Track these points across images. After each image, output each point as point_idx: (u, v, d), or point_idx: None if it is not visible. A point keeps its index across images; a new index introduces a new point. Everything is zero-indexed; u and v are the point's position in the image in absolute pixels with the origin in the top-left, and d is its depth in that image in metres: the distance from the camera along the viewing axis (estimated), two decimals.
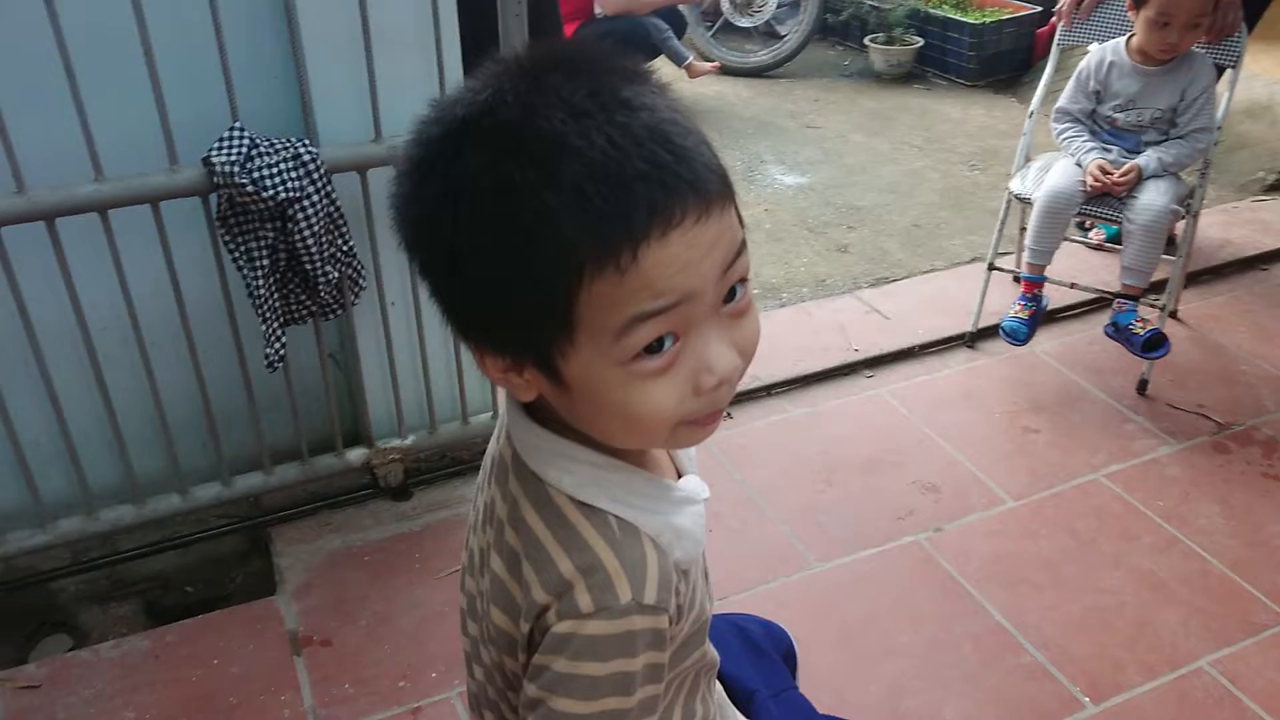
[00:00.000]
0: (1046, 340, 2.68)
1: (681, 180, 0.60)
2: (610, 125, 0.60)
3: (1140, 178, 2.36)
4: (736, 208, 0.66)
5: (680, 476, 0.80)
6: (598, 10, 4.54)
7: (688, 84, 4.76)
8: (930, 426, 2.37)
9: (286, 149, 1.66)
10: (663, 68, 4.80)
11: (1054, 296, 2.70)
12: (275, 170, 1.63)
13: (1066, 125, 2.52)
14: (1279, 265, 3.07)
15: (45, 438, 1.83)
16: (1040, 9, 4.73)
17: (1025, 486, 2.18)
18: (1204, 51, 2.44)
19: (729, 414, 2.42)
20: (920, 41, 4.89)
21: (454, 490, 2.16)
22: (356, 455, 2.07)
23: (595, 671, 0.67)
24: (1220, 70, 2.51)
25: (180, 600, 2.07)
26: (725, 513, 2.10)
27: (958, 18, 4.80)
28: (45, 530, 1.85)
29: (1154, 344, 2.38)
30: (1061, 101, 2.54)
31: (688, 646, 0.79)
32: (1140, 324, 2.41)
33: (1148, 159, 2.38)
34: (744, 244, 0.67)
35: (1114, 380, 2.53)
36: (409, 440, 2.09)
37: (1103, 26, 2.58)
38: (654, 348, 0.64)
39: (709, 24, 5.24)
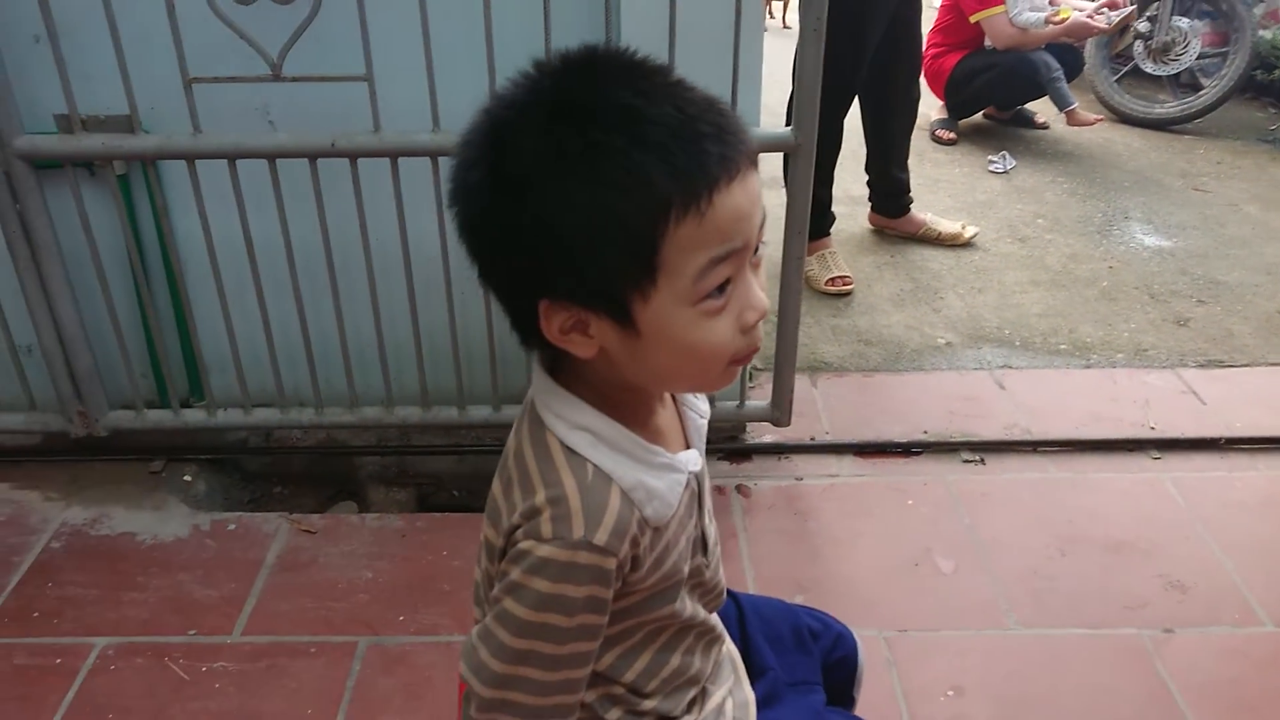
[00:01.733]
0: None
1: (737, 138, 0.75)
2: (674, 99, 0.74)
3: None
4: None
5: (689, 448, 0.92)
6: (988, 43, 4.43)
7: (1066, 129, 4.51)
8: (1204, 524, 2.14)
9: None
10: (1043, 109, 4.61)
11: None
12: None
13: None
14: None
15: (368, 344, 2.22)
16: None
17: None
18: None
19: (981, 459, 2.35)
20: None
21: None
22: None
23: (542, 588, 0.79)
24: None
25: (447, 500, 2.42)
26: (937, 551, 2.06)
27: None
28: (352, 413, 2.26)
29: None
30: None
31: (655, 600, 0.88)
32: None
33: None
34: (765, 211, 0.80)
35: None
36: None
37: None
38: (717, 290, 0.76)
39: (1117, 67, 4.90)
